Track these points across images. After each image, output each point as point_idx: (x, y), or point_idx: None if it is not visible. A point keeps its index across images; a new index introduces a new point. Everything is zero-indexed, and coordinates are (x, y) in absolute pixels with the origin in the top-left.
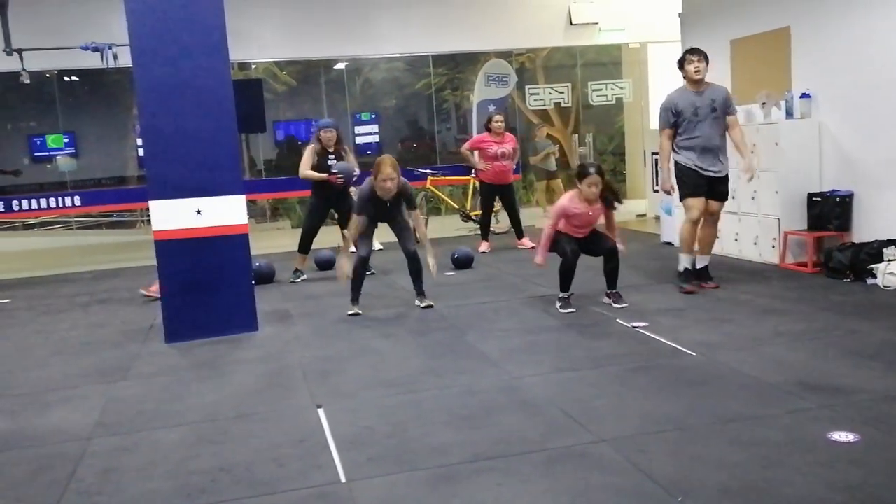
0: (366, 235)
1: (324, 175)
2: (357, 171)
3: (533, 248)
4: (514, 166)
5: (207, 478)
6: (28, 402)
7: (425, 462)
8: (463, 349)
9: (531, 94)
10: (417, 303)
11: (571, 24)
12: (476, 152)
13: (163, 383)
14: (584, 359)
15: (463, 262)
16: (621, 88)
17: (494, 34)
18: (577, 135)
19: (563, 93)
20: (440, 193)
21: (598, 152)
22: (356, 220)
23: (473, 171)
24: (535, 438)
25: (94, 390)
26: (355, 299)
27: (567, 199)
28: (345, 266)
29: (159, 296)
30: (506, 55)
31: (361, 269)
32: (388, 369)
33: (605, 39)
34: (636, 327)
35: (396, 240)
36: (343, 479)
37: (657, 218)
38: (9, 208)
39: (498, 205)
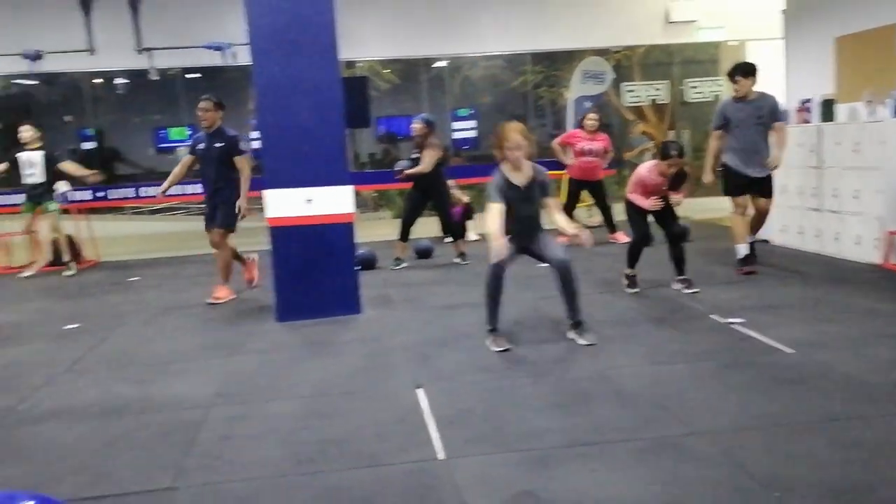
0: (510, 250)
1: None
2: (400, 164)
3: (628, 241)
4: (605, 164)
5: (316, 448)
6: (155, 371)
7: (520, 444)
8: (557, 339)
9: (627, 91)
10: (574, 336)
11: (669, 21)
12: (567, 148)
13: (275, 359)
14: (678, 353)
15: None
16: (719, 86)
17: (592, 32)
18: (672, 131)
19: (659, 90)
20: None
21: (694, 150)
22: (494, 208)
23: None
24: (629, 428)
25: (213, 363)
26: (494, 324)
27: (646, 170)
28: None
29: (228, 298)
30: (603, 52)
31: (496, 282)
32: (485, 356)
33: (703, 37)
34: (731, 323)
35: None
36: (441, 456)
37: None
38: (138, 194)
39: (591, 199)
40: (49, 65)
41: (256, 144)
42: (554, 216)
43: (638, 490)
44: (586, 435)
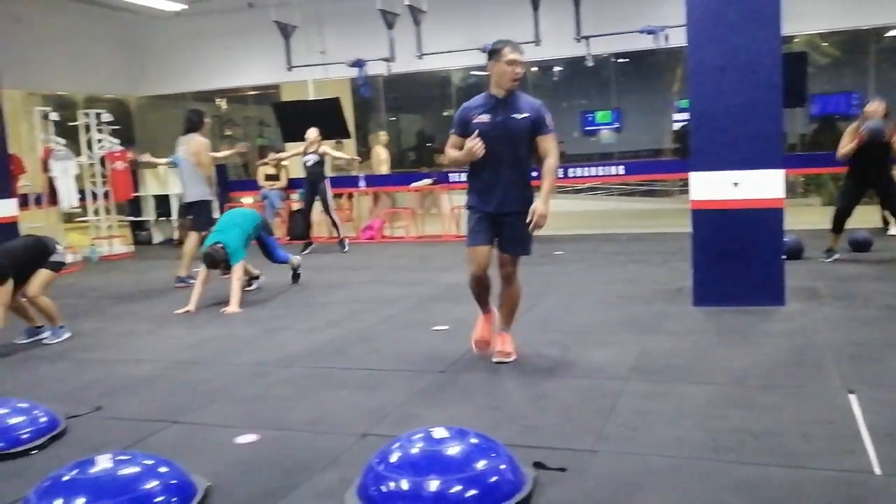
0: None
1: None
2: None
3: None
4: None
5: (734, 438)
6: (576, 339)
7: None
8: None
9: None
10: None
11: None
12: None
13: (690, 342)
14: None
15: None
16: None
17: None
18: None
19: None
20: None
21: None
22: None
23: None
24: None
25: (629, 339)
26: None
27: None
28: None
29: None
30: None
31: None
32: None
33: None
34: None
35: None
36: (877, 471)
37: None
38: (565, 174)
39: None
40: None
41: (676, 127)
42: None
43: None
44: None
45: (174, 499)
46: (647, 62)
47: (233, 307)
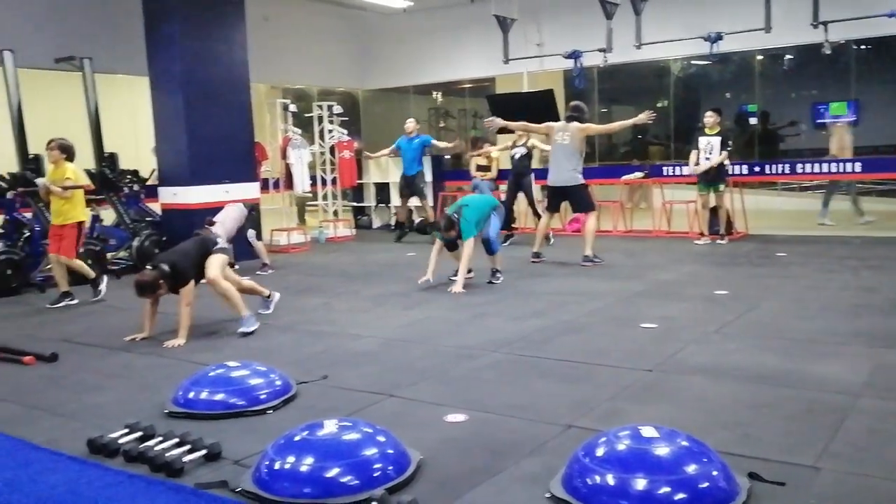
0: None
1: None
2: None
3: None
4: None
5: None
6: (800, 347)
7: None
8: None
9: None
10: None
11: None
12: None
13: None
14: None
15: None
16: None
17: None
18: None
19: None
20: None
21: None
22: None
23: None
24: None
25: (862, 351)
26: None
27: None
28: None
29: None
30: None
31: None
32: None
33: None
34: None
35: None
36: None
37: None
38: (793, 170)
39: None
40: (725, 45)
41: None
42: None
43: None
44: None
45: (390, 467)
46: (894, 49)
47: (458, 286)
